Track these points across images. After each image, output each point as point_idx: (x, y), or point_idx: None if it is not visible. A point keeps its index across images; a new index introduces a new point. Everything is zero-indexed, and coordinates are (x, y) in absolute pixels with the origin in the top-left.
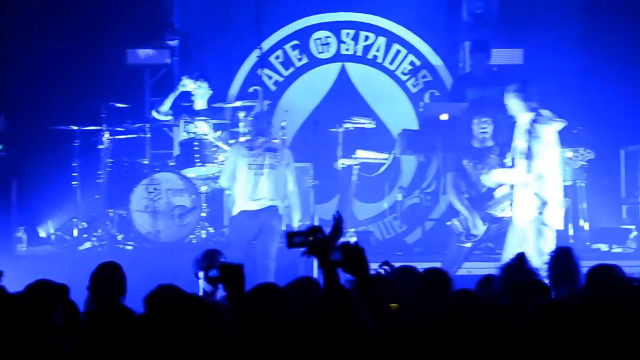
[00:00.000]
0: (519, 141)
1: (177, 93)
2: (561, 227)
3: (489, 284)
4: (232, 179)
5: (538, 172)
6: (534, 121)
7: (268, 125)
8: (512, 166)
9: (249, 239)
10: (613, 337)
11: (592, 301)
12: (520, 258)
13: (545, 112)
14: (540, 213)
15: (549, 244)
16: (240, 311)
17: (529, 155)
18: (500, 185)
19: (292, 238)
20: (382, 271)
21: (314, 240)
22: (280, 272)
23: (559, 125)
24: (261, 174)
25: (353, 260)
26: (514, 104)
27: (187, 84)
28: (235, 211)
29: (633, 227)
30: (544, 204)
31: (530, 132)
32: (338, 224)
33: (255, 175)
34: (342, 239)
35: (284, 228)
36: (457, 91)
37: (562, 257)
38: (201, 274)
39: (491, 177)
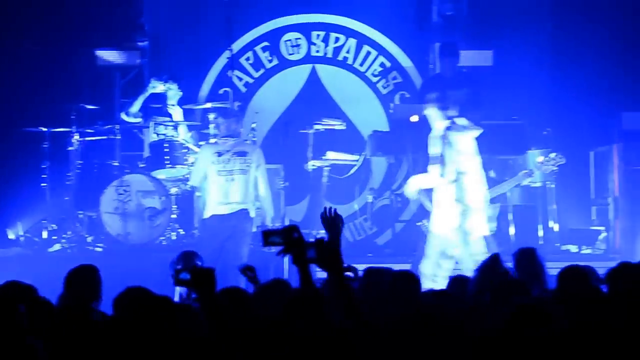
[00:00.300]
0: (433, 148)
1: (146, 95)
2: (486, 232)
3: (461, 284)
4: (203, 179)
5: (455, 179)
6: (448, 129)
7: (237, 126)
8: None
9: (219, 242)
10: (585, 336)
11: (564, 302)
12: (495, 258)
13: (461, 121)
14: (463, 221)
15: (479, 250)
16: (212, 314)
17: (441, 161)
18: None
19: (269, 237)
20: (350, 273)
21: (289, 239)
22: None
23: (475, 133)
24: (232, 179)
25: (327, 256)
26: (432, 112)
27: (157, 86)
28: (206, 214)
29: (602, 228)
30: (465, 211)
31: (444, 139)
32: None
33: (225, 181)
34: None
35: (254, 230)
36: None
37: (526, 258)
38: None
39: (408, 187)
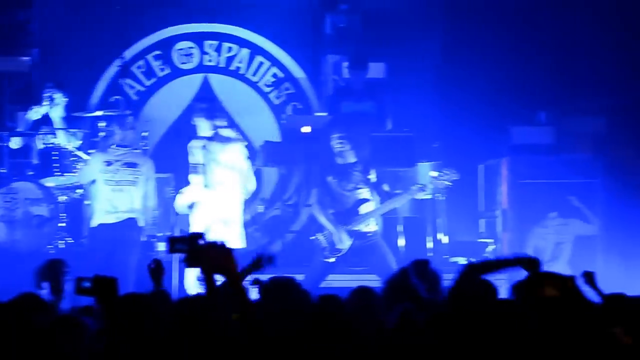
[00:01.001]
0: (194, 157)
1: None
2: (242, 245)
3: (366, 296)
4: (91, 183)
5: (213, 190)
6: (210, 139)
7: (132, 137)
8: (375, 183)
9: (108, 251)
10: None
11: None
12: (404, 272)
13: (226, 132)
14: (221, 232)
15: None
16: (113, 322)
17: (203, 170)
18: (364, 202)
19: (174, 244)
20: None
21: (195, 246)
22: (140, 284)
23: (239, 146)
24: (119, 189)
25: (221, 260)
26: (199, 122)
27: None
28: (93, 223)
29: (491, 240)
30: (224, 222)
31: (205, 149)
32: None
33: (112, 191)
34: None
35: (144, 239)
36: (332, 105)
37: (420, 270)
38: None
39: (177, 202)
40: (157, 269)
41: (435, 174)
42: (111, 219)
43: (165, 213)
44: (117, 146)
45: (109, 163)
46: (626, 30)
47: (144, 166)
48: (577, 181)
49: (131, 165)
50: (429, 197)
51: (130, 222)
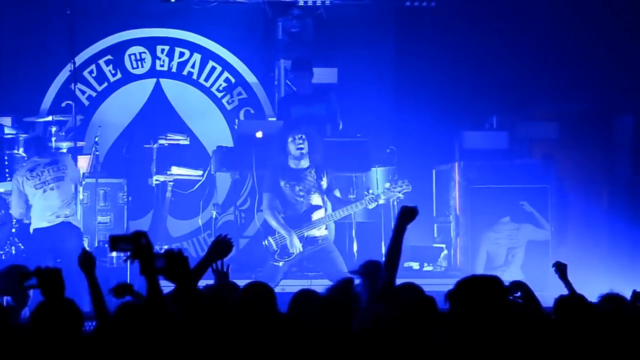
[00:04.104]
0: None
1: None
2: None
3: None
4: (24, 207)
5: None
6: None
7: (40, 146)
8: (328, 187)
9: (50, 257)
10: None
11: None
12: (349, 283)
13: None
14: None
15: None
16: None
17: None
18: (316, 208)
19: (116, 242)
20: None
21: (138, 245)
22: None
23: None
24: (51, 188)
25: (176, 268)
26: None
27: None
28: (31, 229)
29: (444, 245)
30: None
31: None
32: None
33: (44, 192)
34: None
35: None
36: (282, 110)
37: (372, 271)
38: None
39: None
40: (87, 261)
41: (388, 185)
42: (45, 224)
43: (119, 219)
44: (34, 156)
45: (31, 169)
46: (578, 37)
47: (65, 161)
48: (530, 186)
49: (53, 162)
50: (382, 202)
51: (64, 226)
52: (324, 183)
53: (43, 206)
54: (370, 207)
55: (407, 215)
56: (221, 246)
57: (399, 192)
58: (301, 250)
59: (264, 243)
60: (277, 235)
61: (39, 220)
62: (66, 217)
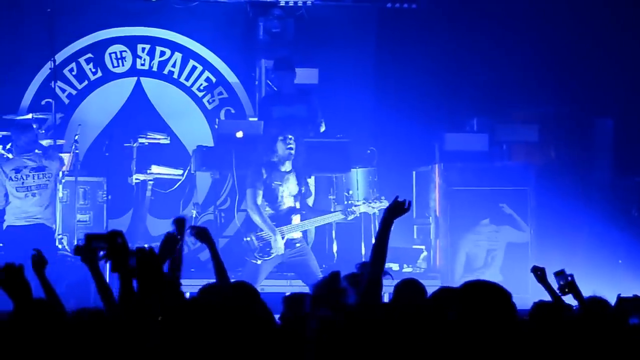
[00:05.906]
0: None
1: None
2: None
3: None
4: (2, 199)
5: None
6: None
7: (30, 142)
8: (305, 192)
9: (23, 255)
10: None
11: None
12: (335, 277)
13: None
14: None
15: None
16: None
17: None
18: (294, 211)
19: (92, 241)
20: None
21: (113, 244)
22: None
23: None
24: (33, 194)
25: (147, 266)
26: None
27: None
28: (4, 226)
29: (423, 247)
30: None
31: None
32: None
33: (25, 197)
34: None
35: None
36: (264, 110)
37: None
38: None
39: None
40: (37, 263)
41: (363, 201)
42: (21, 222)
43: (98, 217)
44: (23, 152)
45: (17, 170)
46: (558, 40)
47: (52, 167)
48: (509, 188)
49: (40, 169)
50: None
51: (39, 227)
52: (303, 189)
53: (21, 209)
54: (349, 218)
55: (396, 209)
56: (168, 243)
57: (376, 209)
58: (283, 252)
59: (245, 239)
60: (259, 233)
61: (14, 218)
62: (41, 219)
